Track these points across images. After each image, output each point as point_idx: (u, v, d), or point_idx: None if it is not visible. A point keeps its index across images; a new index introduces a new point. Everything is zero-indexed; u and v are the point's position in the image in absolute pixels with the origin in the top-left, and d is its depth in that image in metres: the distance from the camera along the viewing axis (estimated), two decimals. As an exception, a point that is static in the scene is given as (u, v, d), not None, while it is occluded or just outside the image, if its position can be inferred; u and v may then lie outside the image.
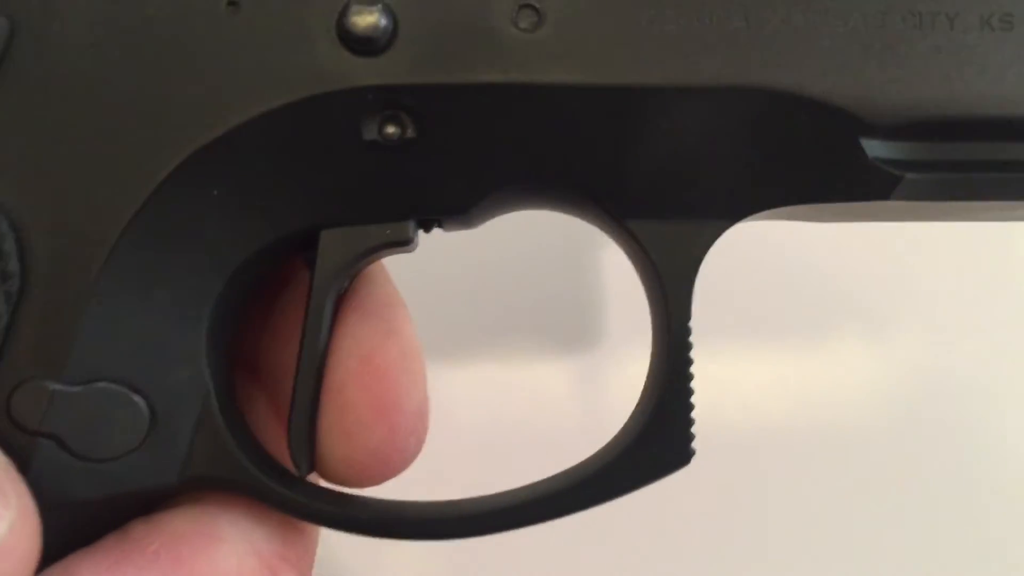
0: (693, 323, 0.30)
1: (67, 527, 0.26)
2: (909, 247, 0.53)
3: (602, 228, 0.30)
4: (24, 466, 0.25)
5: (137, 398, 0.27)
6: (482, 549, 0.49)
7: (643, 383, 0.30)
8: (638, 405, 0.29)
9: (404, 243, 0.28)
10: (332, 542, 0.45)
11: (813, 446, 0.52)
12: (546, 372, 0.52)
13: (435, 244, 0.31)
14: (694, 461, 0.31)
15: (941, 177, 0.27)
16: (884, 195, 0.27)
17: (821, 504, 0.52)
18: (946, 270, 0.54)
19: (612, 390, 0.52)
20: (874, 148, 0.27)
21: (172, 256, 0.27)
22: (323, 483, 0.30)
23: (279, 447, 0.30)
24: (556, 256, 0.52)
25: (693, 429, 0.28)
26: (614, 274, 0.52)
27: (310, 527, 0.29)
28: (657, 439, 0.28)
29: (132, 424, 0.27)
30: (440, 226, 0.29)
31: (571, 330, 0.53)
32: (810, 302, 0.53)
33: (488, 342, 0.52)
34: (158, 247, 0.26)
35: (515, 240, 0.51)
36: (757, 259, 0.51)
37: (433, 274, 0.44)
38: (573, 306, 0.53)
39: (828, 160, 0.27)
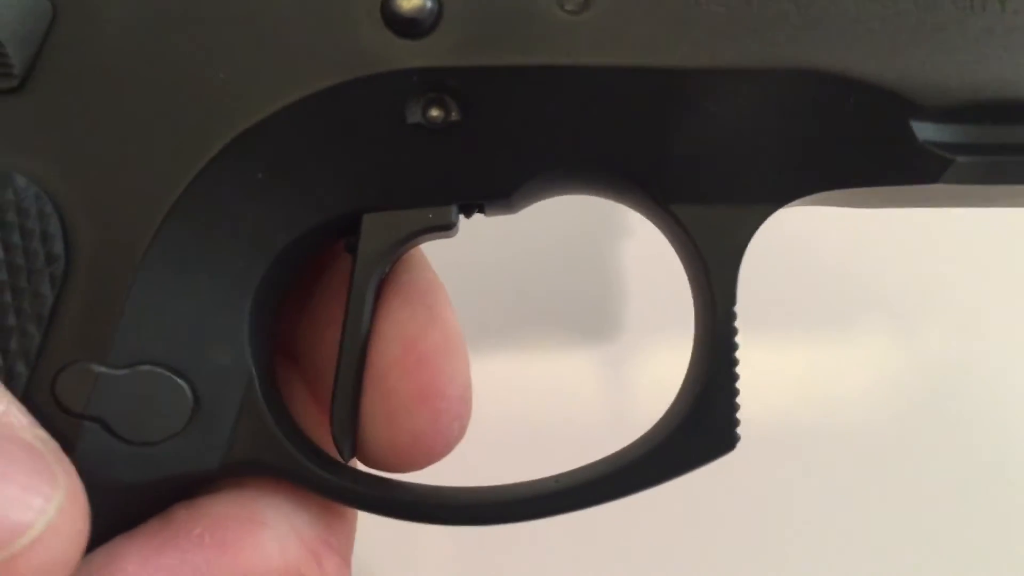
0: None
1: (110, 510, 0.26)
2: (932, 239, 0.53)
3: (645, 213, 0.29)
4: (70, 449, 0.25)
5: (181, 381, 0.26)
6: (512, 546, 0.49)
7: (664, 373, 0.30)
8: (681, 390, 0.29)
9: (446, 227, 0.28)
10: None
11: (833, 441, 0.52)
12: (568, 363, 0.52)
13: (457, 235, 0.31)
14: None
15: (992, 160, 0.27)
16: (934, 178, 0.27)
17: (842, 499, 0.52)
18: (971, 263, 0.53)
19: (633, 380, 0.52)
20: (924, 131, 0.26)
21: (216, 239, 0.27)
22: (362, 468, 0.30)
23: (317, 432, 0.30)
24: (576, 248, 0.52)
25: (738, 415, 0.28)
26: (633, 265, 0.52)
27: (350, 512, 0.29)
28: (703, 424, 0.28)
29: (176, 408, 0.26)
30: (482, 211, 0.29)
31: (592, 321, 0.53)
32: (832, 296, 0.53)
33: (509, 334, 0.52)
34: (202, 230, 0.26)
35: (534, 232, 0.51)
36: (777, 252, 0.51)
37: (454, 266, 0.44)
38: (593, 297, 0.53)
39: (877, 143, 0.27)
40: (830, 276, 0.53)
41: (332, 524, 0.28)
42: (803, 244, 0.52)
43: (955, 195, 0.29)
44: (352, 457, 0.29)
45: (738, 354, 0.28)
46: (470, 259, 0.48)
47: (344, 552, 0.28)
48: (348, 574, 0.28)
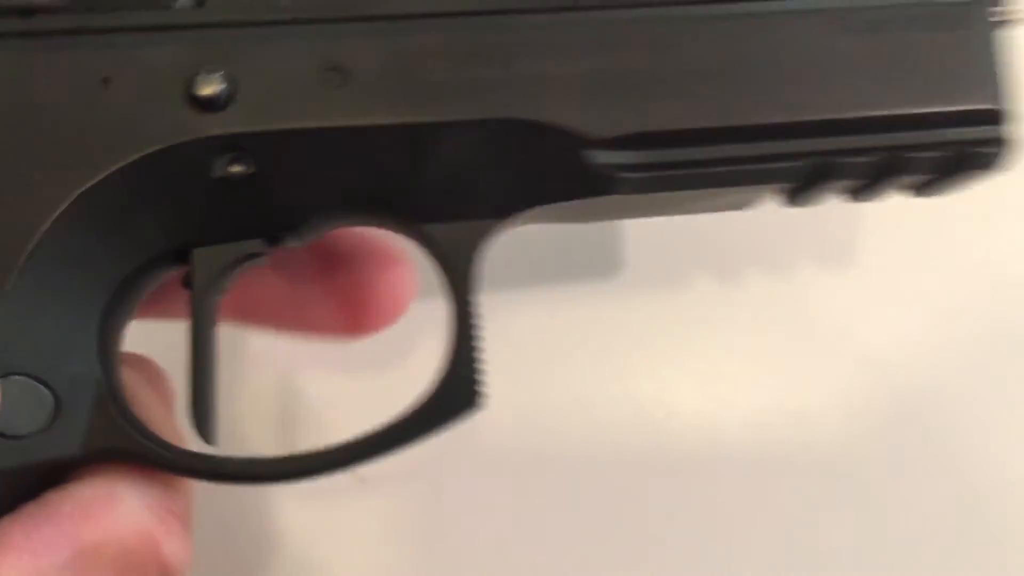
0: (659, 333, 0.46)
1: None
2: (871, 258, 0.54)
3: (401, 233, 0.38)
4: None
5: (44, 388, 0.33)
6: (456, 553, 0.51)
7: None
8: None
9: (258, 256, 0.36)
10: (297, 540, 0.50)
11: (779, 461, 0.52)
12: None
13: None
14: (662, 483, 0.45)
15: (656, 175, 0.35)
16: (611, 192, 0.35)
17: (791, 517, 0.51)
18: (912, 279, 0.54)
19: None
20: (595, 157, 0.35)
21: (67, 275, 0.34)
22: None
23: (165, 427, 0.37)
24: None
25: (483, 381, 0.35)
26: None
27: (186, 483, 0.36)
28: (450, 385, 0.35)
29: (40, 409, 0.33)
30: (281, 243, 0.37)
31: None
32: (775, 313, 0.53)
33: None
34: (55, 269, 0.33)
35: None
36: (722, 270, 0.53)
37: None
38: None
39: (559, 168, 0.35)
40: (770, 294, 0.53)
41: (173, 495, 0.35)
42: (744, 262, 0.54)
43: (637, 205, 0.38)
44: (215, 442, 0.36)
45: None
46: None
47: (183, 515, 0.35)
48: (187, 533, 0.35)
